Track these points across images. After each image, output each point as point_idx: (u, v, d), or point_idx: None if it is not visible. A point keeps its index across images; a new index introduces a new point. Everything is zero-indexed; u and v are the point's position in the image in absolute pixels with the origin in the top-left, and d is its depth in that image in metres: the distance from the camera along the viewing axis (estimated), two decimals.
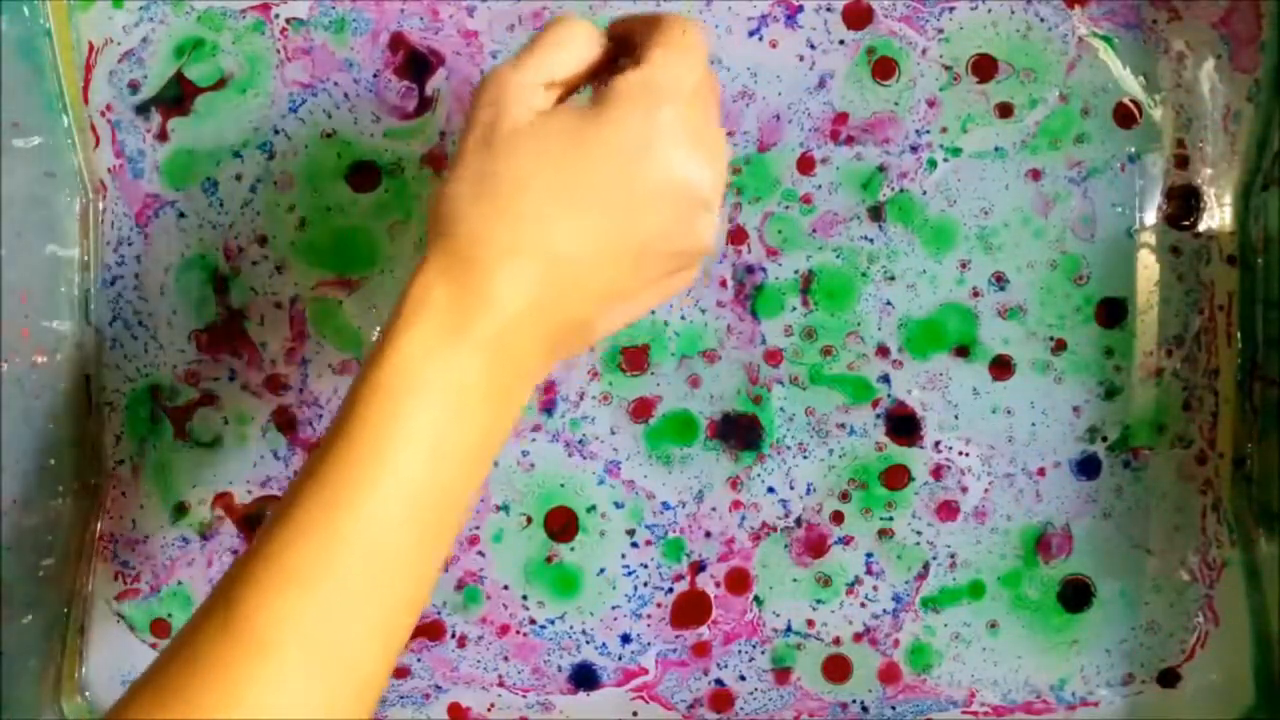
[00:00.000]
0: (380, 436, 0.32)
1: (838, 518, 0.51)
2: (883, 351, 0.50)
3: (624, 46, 0.37)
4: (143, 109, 0.50)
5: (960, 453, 0.51)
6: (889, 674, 0.51)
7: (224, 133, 0.50)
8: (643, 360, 0.50)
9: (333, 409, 0.51)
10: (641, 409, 0.51)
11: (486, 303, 0.33)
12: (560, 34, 0.36)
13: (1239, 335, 0.50)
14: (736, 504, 0.51)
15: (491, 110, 0.35)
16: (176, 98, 0.50)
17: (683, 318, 0.50)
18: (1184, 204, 0.50)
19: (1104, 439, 0.51)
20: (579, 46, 0.36)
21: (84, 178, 0.50)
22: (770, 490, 0.51)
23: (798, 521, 0.51)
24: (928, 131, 0.50)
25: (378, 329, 0.50)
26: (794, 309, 0.50)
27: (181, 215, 0.50)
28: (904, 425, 0.51)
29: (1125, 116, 0.50)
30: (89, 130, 0.50)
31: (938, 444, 0.51)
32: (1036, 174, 0.50)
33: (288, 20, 0.50)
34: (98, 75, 0.50)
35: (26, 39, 0.48)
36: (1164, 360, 0.50)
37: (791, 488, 0.51)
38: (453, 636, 0.51)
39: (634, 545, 0.51)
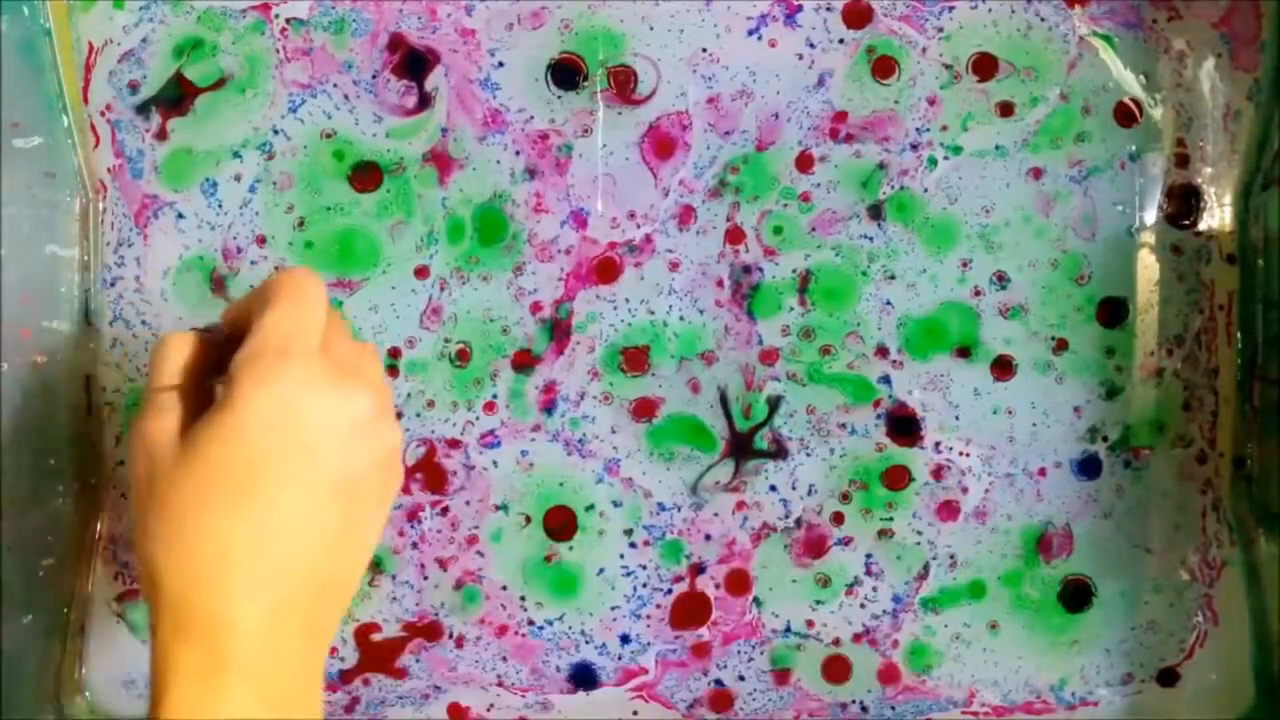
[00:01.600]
0: None
1: (838, 518, 0.51)
2: (882, 352, 0.50)
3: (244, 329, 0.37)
4: (142, 109, 0.50)
5: (961, 453, 0.50)
6: (889, 674, 0.51)
7: (224, 133, 0.50)
8: (642, 361, 0.50)
9: None
10: (643, 409, 0.50)
11: (227, 639, 0.33)
12: (163, 351, 0.36)
13: (1239, 335, 0.50)
14: (740, 505, 0.51)
15: (138, 461, 0.35)
16: (176, 98, 0.50)
17: (681, 318, 0.50)
18: (1184, 203, 0.50)
19: (1104, 439, 0.50)
20: (178, 353, 0.37)
21: (84, 178, 0.50)
22: (772, 488, 0.51)
23: (797, 522, 0.51)
24: (928, 130, 0.50)
25: (377, 330, 0.50)
26: (791, 309, 0.50)
27: (180, 215, 0.50)
28: (904, 426, 0.50)
29: (1126, 115, 0.50)
30: (89, 130, 0.50)
31: (938, 444, 0.50)
32: (1037, 173, 0.50)
33: (287, 20, 0.50)
34: (98, 75, 0.50)
35: (26, 39, 0.48)
36: (1164, 360, 0.50)
37: (794, 487, 0.50)
38: (451, 637, 0.51)
39: (632, 546, 0.51)
